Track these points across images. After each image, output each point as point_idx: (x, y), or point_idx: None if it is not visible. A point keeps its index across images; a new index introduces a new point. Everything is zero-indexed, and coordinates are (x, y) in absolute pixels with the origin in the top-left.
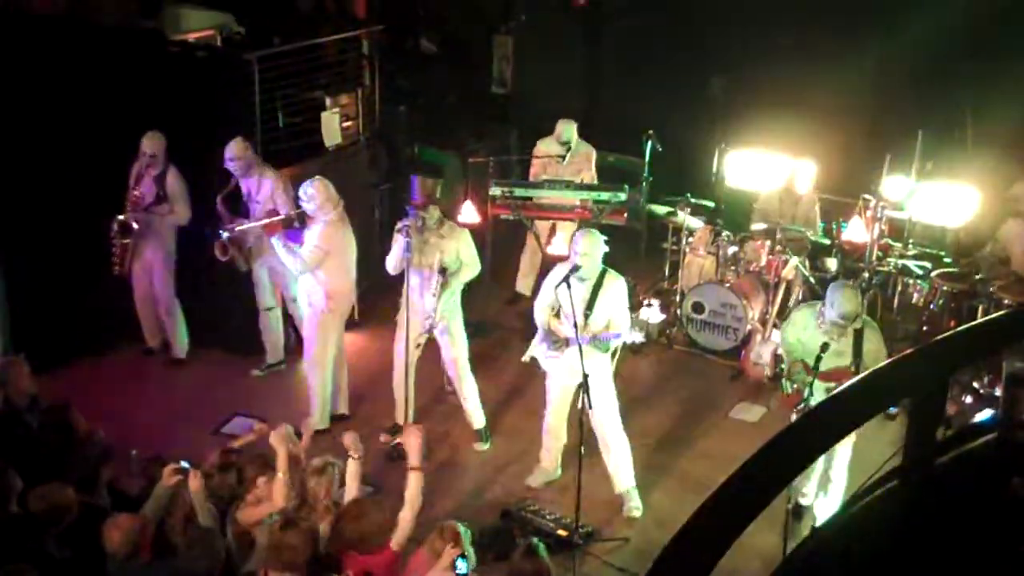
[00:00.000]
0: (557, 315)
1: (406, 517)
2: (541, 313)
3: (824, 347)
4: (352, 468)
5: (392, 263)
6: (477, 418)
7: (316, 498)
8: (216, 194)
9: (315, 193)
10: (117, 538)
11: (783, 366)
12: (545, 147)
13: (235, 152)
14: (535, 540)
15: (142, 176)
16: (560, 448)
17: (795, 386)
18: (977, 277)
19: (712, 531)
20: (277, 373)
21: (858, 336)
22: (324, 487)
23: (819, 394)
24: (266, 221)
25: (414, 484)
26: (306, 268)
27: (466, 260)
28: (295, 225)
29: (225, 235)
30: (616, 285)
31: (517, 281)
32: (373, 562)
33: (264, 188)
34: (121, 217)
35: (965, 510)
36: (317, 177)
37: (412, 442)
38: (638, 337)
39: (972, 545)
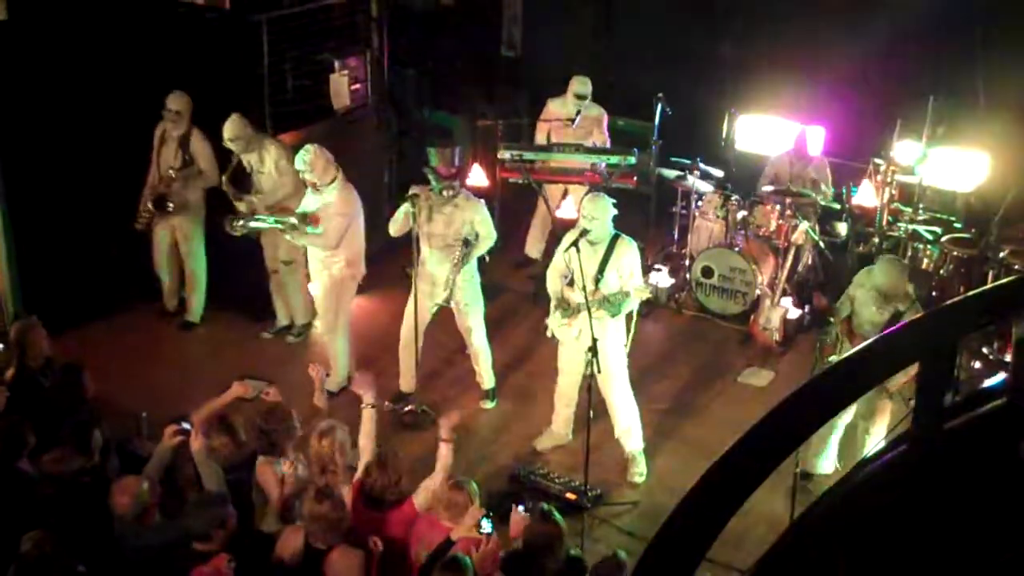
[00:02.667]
0: (571, 283)
1: (433, 485)
2: (553, 281)
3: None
4: (367, 416)
5: (395, 227)
6: (488, 379)
7: (329, 461)
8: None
9: (313, 160)
10: (125, 501)
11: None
12: (556, 108)
13: (234, 132)
14: (545, 505)
15: (165, 139)
16: (571, 413)
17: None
18: (983, 236)
19: (720, 494)
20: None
21: (898, 314)
22: (333, 449)
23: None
24: (279, 211)
25: (446, 454)
26: (336, 242)
27: (482, 233)
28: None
29: (239, 226)
30: (628, 249)
31: (527, 245)
32: (391, 518)
33: (267, 160)
34: (159, 192)
35: (974, 474)
36: (309, 145)
37: (445, 421)
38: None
39: (981, 508)
